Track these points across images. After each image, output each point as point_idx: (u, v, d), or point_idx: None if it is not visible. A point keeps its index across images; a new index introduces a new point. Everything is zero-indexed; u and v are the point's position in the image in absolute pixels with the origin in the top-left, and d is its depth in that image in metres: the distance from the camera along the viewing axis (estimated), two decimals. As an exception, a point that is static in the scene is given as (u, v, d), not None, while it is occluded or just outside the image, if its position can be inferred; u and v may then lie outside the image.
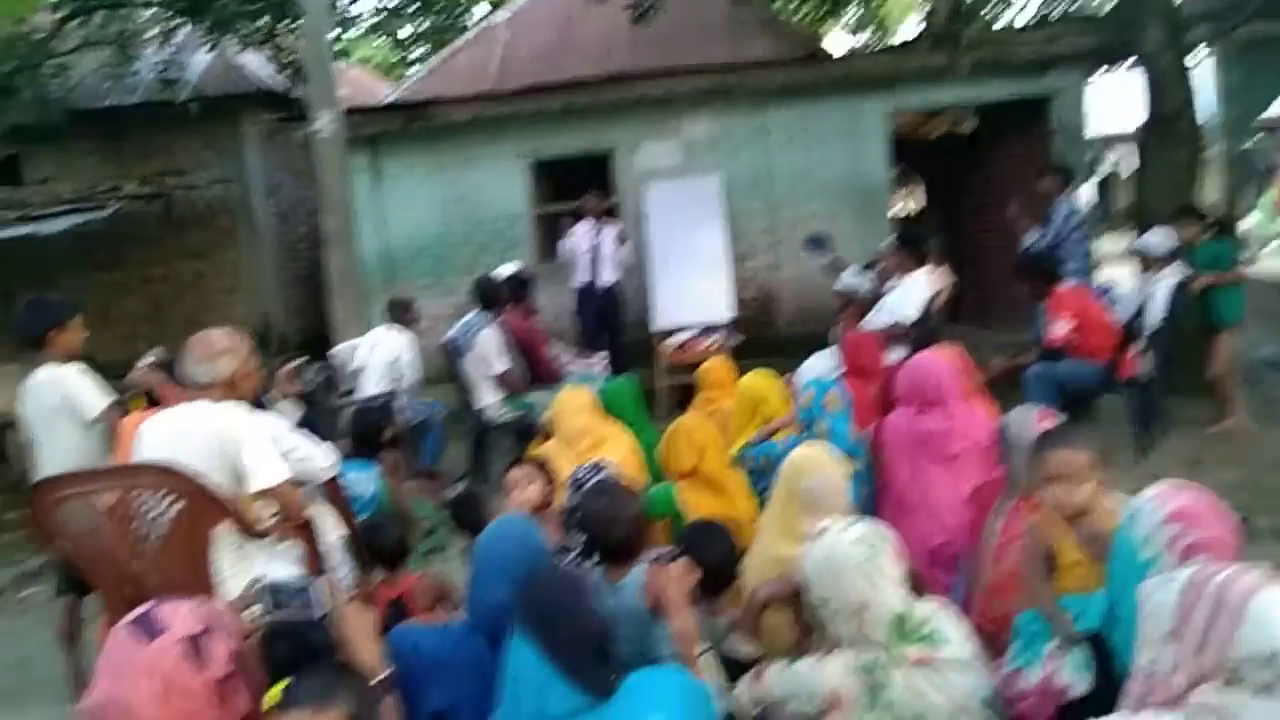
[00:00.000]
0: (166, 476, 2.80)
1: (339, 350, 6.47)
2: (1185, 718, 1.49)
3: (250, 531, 2.96)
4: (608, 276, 8.19)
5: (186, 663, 1.76)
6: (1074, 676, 2.18)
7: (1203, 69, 7.23)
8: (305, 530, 3.09)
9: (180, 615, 1.83)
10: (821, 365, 5.76)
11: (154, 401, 4.22)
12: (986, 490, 3.14)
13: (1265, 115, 12.72)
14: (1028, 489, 2.86)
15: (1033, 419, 2.91)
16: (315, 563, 3.03)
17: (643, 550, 2.58)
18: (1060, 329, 5.57)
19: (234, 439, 2.91)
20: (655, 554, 2.68)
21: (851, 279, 6.88)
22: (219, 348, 3.11)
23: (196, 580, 2.72)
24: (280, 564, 2.96)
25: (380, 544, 3.41)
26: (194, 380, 3.06)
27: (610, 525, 2.47)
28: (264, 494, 2.98)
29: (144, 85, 10.34)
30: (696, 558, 2.58)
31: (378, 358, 6.24)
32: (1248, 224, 14.00)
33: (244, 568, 2.84)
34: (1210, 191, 7.58)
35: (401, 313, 6.59)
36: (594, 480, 3.02)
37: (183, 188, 10.60)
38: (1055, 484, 2.46)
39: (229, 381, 3.09)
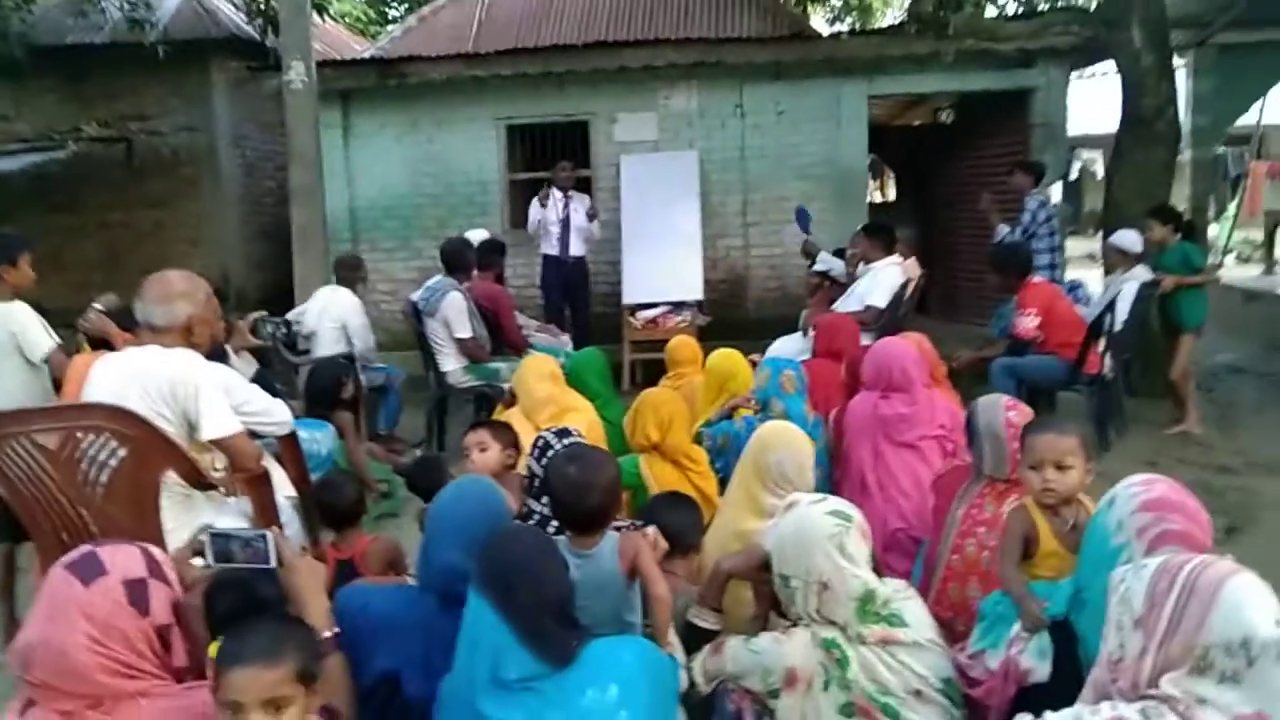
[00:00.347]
0: (115, 418, 2.70)
1: (298, 312, 6.30)
2: (1143, 710, 1.47)
3: (198, 482, 2.87)
4: (576, 249, 8.08)
5: (125, 608, 1.69)
6: (1035, 661, 2.17)
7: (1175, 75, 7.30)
8: (256, 484, 3.01)
9: (122, 558, 1.76)
10: (789, 348, 5.77)
11: (103, 347, 4.10)
12: (950, 476, 3.14)
13: (1235, 124, 12.91)
14: (993, 475, 2.86)
15: (1000, 407, 2.91)
16: (265, 518, 2.94)
17: (613, 518, 2.53)
18: (1028, 323, 5.60)
19: (186, 386, 2.81)
20: (619, 523, 2.63)
21: (830, 260, 6.89)
22: (176, 290, 3.01)
23: (141, 529, 2.63)
24: (228, 516, 2.88)
25: (334, 503, 3.34)
26: (148, 322, 2.95)
27: (583, 490, 2.39)
28: (215, 444, 2.89)
29: (110, 25, 10.02)
30: (662, 527, 2.54)
31: (326, 322, 6.10)
32: (1214, 231, 14.25)
33: (189, 519, 2.76)
34: (1178, 197, 7.64)
35: (347, 271, 6.44)
36: (564, 444, 2.95)
37: (146, 133, 10.30)
38: (1041, 468, 2.47)
39: (185, 326, 2.99)
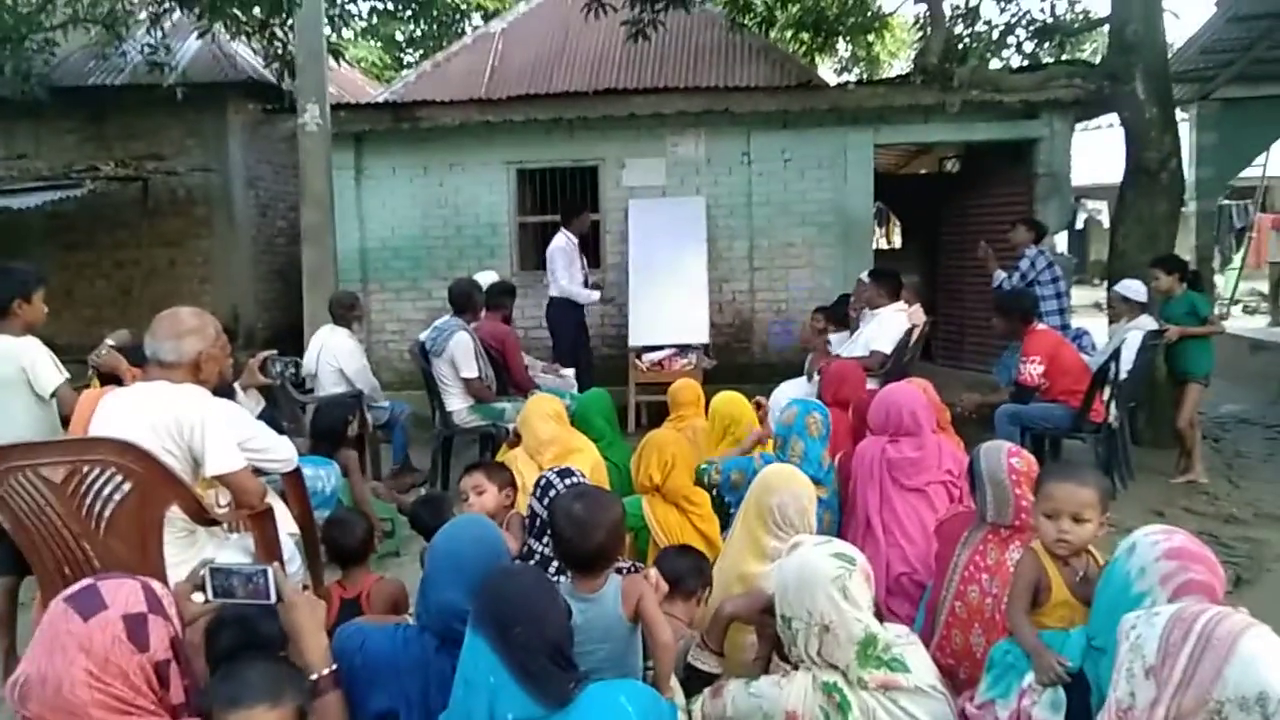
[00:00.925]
0: (121, 452, 2.70)
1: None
2: None
3: (202, 518, 2.88)
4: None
5: (124, 643, 1.68)
6: (1048, 713, 2.15)
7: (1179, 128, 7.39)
8: (259, 521, 3.01)
9: (123, 593, 1.75)
10: (794, 392, 5.77)
11: (114, 383, 4.12)
12: (953, 522, 3.12)
13: (1239, 177, 13.00)
14: (997, 521, 2.85)
15: (1004, 452, 2.91)
16: (268, 554, 2.94)
17: (616, 559, 2.52)
18: (1032, 369, 5.60)
19: (193, 422, 2.82)
20: (620, 565, 2.62)
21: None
22: (186, 326, 3.03)
23: (143, 564, 2.62)
24: (230, 552, 2.88)
25: (343, 541, 3.34)
26: (157, 357, 2.97)
27: (587, 529, 2.38)
28: (219, 480, 2.90)
29: (130, 67, 10.24)
30: (666, 571, 2.53)
31: (325, 363, 6.16)
32: (1220, 282, 14.30)
33: (192, 554, 2.76)
34: (1183, 248, 7.67)
35: (343, 310, 6.45)
36: (567, 484, 2.95)
37: (162, 173, 10.44)
38: (1057, 518, 2.43)
39: (193, 363, 3.01)
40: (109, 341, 4.60)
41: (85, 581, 1.78)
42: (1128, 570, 2.05)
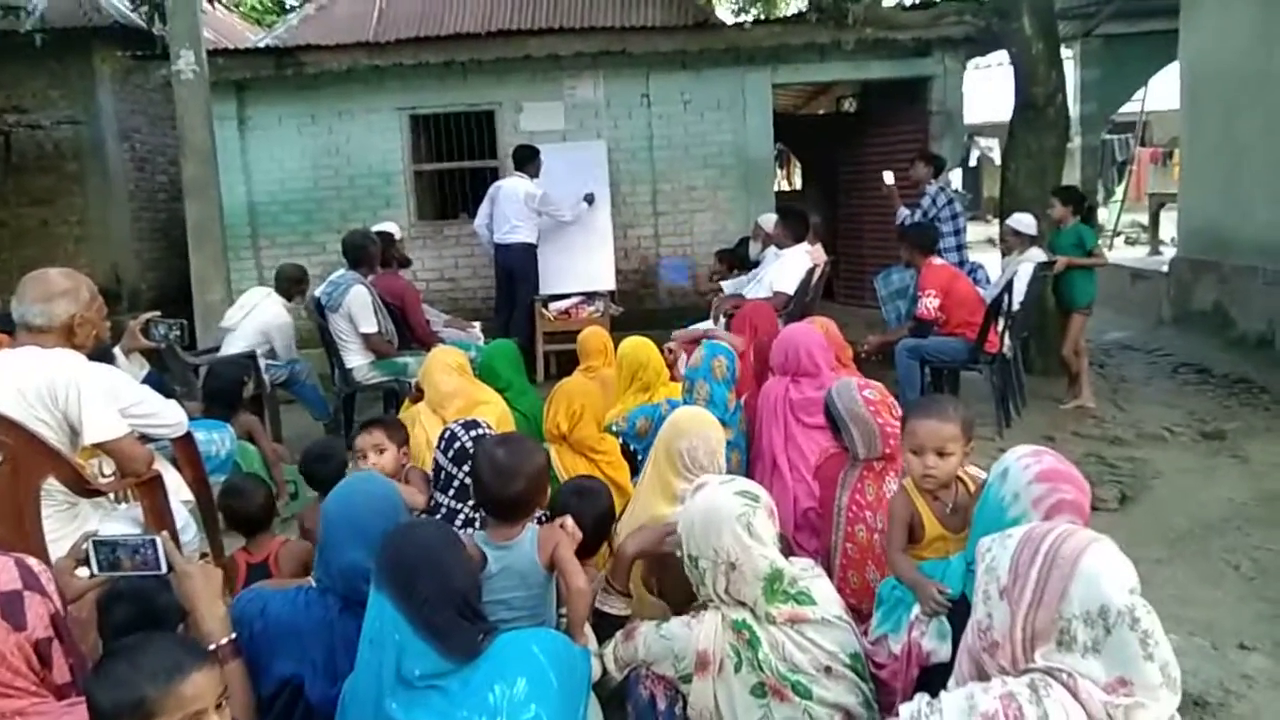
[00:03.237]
0: (-13, 424, 2.54)
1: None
2: (1030, 683, 1.49)
3: (83, 489, 2.73)
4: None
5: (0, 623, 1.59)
6: (936, 643, 2.22)
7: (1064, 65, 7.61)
8: (148, 489, 2.87)
9: None
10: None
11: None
12: (829, 464, 3.20)
13: (1120, 111, 13.50)
14: (868, 456, 2.92)
15: (854, 388, 2.98)
16: (159, 523, 2.81)
17: (536, 508, 2.48)
18: (929, 304, 5.74)
19: (67, 388, 2.66)
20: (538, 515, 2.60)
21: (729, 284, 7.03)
22: (57, 289, 2.87)
23: (20, 540, 2.47)
24: (117, 524, 2.75)
25: (242, 509, 3.22)
26: (25, 322, 2.81)
27: (509, 476, 2.34)
28: (100, 448, 2.75)
29: (-17, 13, 9.49)
30: (576, 517, 2.51)
31: (250, 324, 5.91)
32: (1103, 215, 14.89)
33: (74, 528, 2.62)
34: (1069, 181, 7.93)
35: (288, 284, 6.23)
36: (474, 435, 2.89)
37: (25, 126, 9.76)
38: (922, 454, 2.50)
39: (66, 326, 2.86)
40: (-25, 308, 4.33)
41: None
42: (1002, 495, 2.12)
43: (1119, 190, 16.58)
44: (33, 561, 1.80)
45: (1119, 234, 15.25)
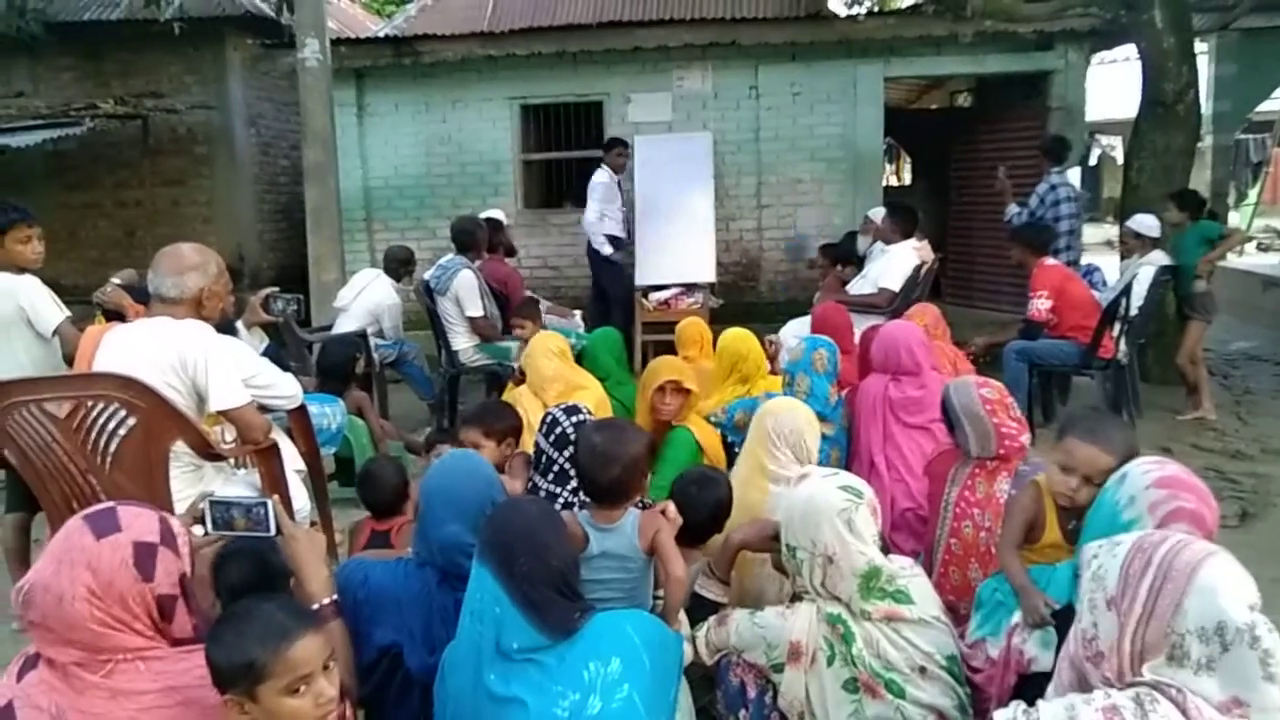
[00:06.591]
0: (124, 387, 2.70)
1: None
2: (1136, 697, 1.44)
3: (207, 453, 2.88)
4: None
5: (129, 569, 1.68)
6: (1039, 650, 2.15)
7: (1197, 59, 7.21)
8: (265, 457, 3.01)
9: (140, 521, 1.74)
10: (802, 330, 5.73)
11: (118, 320, 4.10)
12: (941, 460, 3.12)
13: (1257, 110, 12.75)
14: (981, 455, 2.84)
15: (973, 386, 2.89)
16: (273, 489, 2.95)
17: (636, 493, 2.50)
18: (1040, 305, 5.56)
19: (196, 357, 2.81)
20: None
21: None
22: (189, 263, 3.01)
23: (149, 498, 2.60)
24: (236, 488, 2.89)
25: (377, 498, 3.26)
26: (159, 293, 2.95)
27: (607, 461, 2.37)
28: (223, 415, 2.90)
29: (126, 2, 10.03)
30: (689, 506, 2.52)
31: (361, 304, 6.14)
32: (1235, 218, 14.12)
33: (198, 489, 2.77)
34: (1198, 182, 7.54)
35: (395, 264, 6.47)
36: (573, 421, 2.93)
37: (161, 110, 10.28)
38: (1071, 474, 2.36)
39: (195, 299, 2.99)
40: (114, 280, 4.60)
41: (108, 504, 1.78)
42: (1117, 499, 2.03)
43: (1253, 193, 15.69)
44: (175, 522, 1.86)
45: (1251, 239, 14.45)
